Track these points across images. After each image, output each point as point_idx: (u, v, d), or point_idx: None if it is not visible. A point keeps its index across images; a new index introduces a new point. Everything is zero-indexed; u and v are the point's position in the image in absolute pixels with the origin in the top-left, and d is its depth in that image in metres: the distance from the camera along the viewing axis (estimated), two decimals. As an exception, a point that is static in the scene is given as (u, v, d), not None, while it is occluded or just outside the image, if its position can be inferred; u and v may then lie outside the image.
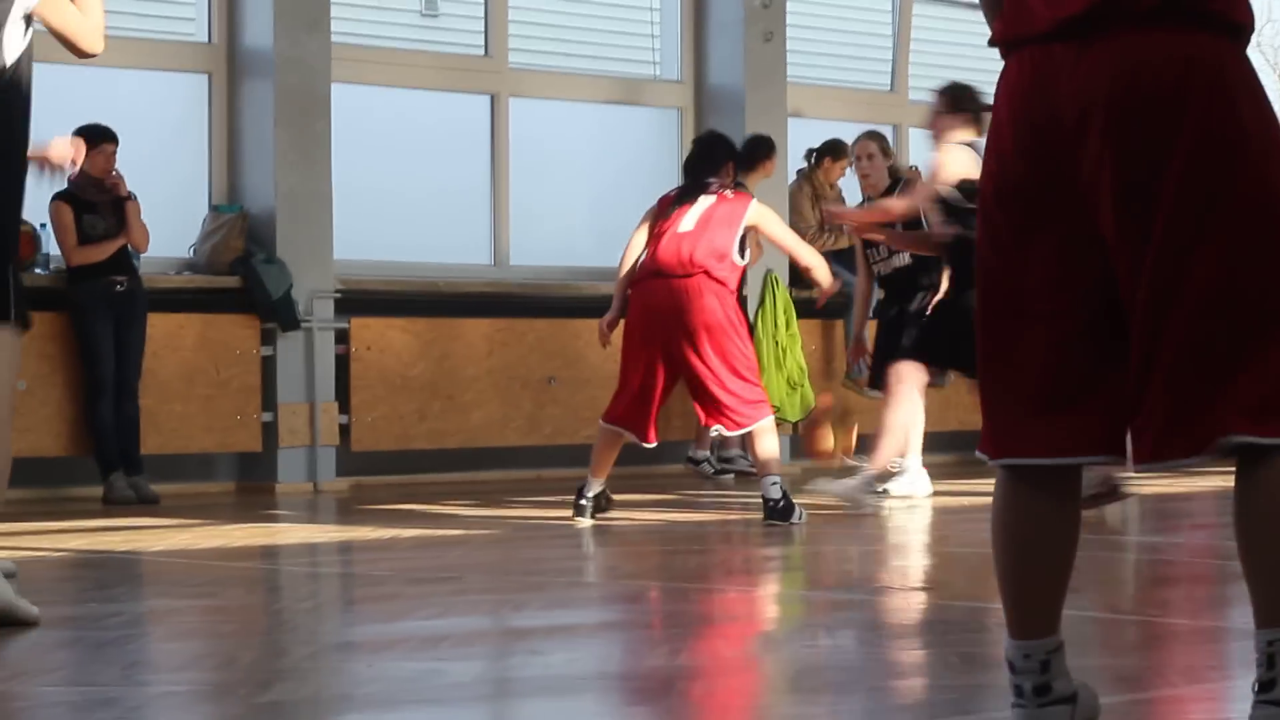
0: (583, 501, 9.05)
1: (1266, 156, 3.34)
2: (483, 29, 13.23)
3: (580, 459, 12.68)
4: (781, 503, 8.72)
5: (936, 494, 10.39)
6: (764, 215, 9.15)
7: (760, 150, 12.19)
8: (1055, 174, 3.39)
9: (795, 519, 8.67)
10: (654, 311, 8.85)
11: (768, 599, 6.75)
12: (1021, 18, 3.42)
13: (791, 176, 13.43)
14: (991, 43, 3.51)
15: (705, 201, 9.00)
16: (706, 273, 8.82)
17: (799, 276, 11.30)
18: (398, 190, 12.82)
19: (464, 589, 6.73)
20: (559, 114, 13.50)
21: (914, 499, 10.25)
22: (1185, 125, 3.30)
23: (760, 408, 8.86)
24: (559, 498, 9.94)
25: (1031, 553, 3.47)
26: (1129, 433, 3.39)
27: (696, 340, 8.75)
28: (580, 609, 6.24)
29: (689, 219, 8.93)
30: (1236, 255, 3.31)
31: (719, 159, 9.22)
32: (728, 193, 9.07)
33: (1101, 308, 3.40)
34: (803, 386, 12.91)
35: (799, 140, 13.57)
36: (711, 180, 9.07)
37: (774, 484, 8.77)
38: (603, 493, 9.13)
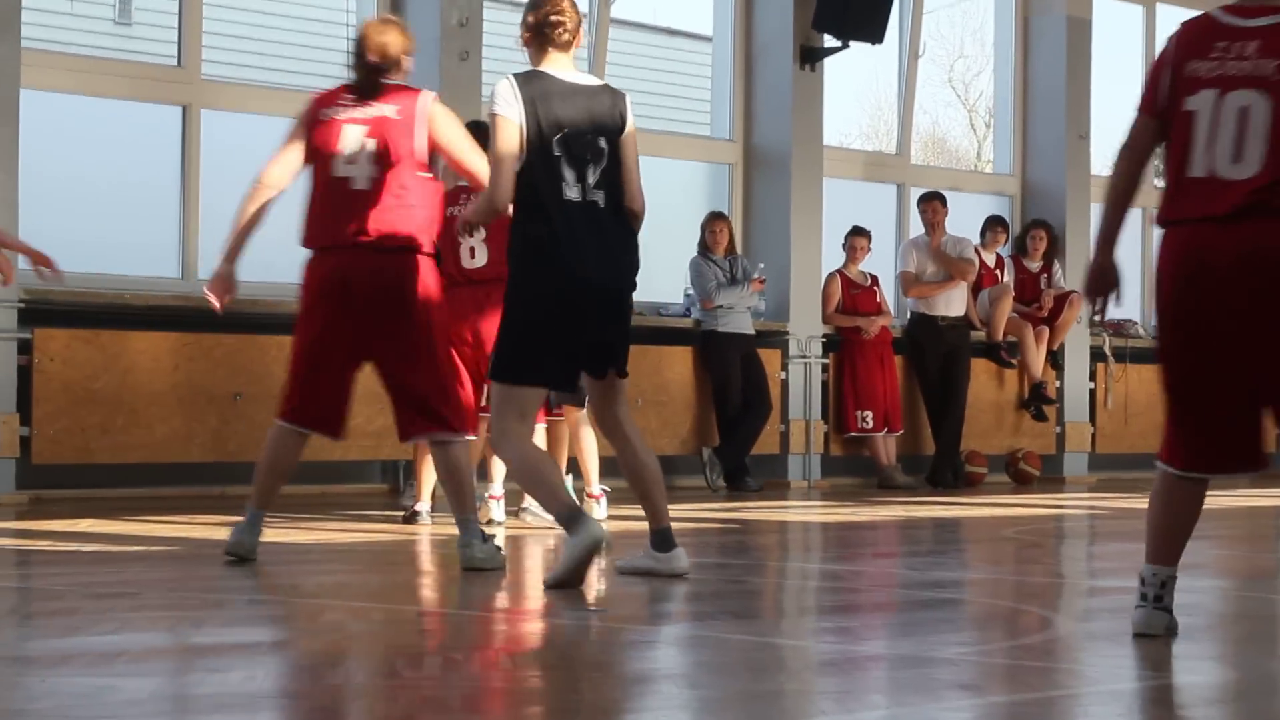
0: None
1: None
2: (176, 39, 13.13)
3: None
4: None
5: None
6: None
7: None
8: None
9: None
10: None
11: (447, 619, 6.83)
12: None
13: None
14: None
15: None
16: None
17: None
18: (87, 200, 12.66)
19: (142, 605, 6.71)
20: (252, 127, 13.42)
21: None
22: None
23: None
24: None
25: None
26: None
27: None
28: (259, 627, 6.26)
29: None
30: None
31: None
32: None
33: None
34: None
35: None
36: None
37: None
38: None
